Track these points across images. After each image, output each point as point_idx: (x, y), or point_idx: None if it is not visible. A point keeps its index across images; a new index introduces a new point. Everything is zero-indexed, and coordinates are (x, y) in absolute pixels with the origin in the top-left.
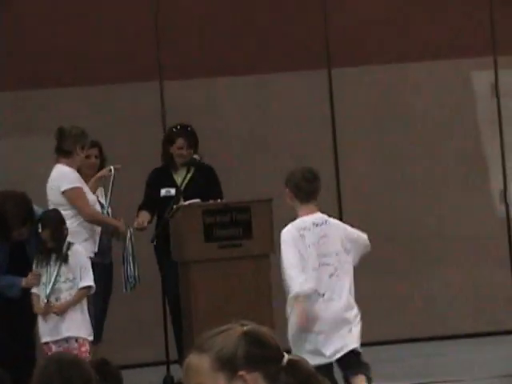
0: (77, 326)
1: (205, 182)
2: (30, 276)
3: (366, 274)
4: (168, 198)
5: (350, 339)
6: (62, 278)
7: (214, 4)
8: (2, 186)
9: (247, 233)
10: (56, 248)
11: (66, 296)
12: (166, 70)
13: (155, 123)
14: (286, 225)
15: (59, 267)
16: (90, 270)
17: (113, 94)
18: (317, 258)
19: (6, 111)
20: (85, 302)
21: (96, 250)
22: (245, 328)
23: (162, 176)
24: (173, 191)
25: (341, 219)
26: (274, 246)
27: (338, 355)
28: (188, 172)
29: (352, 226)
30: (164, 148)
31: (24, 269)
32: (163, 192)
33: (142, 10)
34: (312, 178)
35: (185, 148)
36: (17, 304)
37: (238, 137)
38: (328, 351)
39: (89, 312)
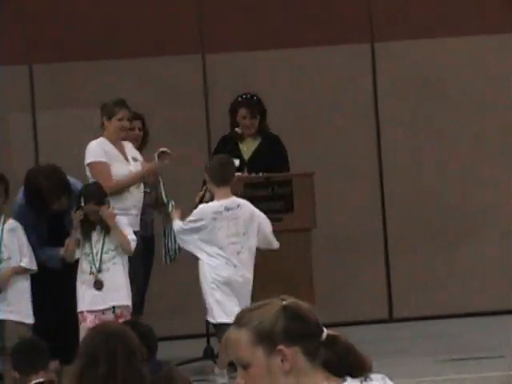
0: (115, 297)
1: (271, 152)
2: (67, 245)
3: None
4: None
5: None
6: (105, 249)
7: None
8: (42, 159)
9: (288, 207)
10: (100, 220)
11: (108, 266)
12: (208, 43)
13: (197, 96)
14: (325, 199)
15: (104, 238)
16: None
17: (155, 67)
18: (225, 238)
19: (49, 83)
20: (126, 273)
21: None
22: (284, 302)
23: (228, 146)
24: (237, 162)
25: (382, 192)
26: (315, 221)
27: None
28: (253, 142)
29: (393, 199)
30: (230, 116)
31: (62, 240)
32: None
33: None
34: (226, 163)
35: (248, 118)
36: (58, 274)
37: (279, 111)
38: None
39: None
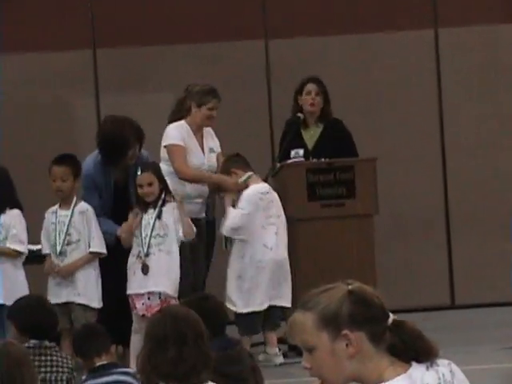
0: (162, 282)
1: (335, 138)
2: (123, 226)
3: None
4: (297, 158)
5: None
6: (154, 234)
7: None
8: None
9: (350, 192)
10: (154, 202)
11: (154, 251)
12: (271, 29)
13: (260, 81)
14: (388, 184)
15: (154, 223)
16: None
17: (219, 52)
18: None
19: (114, 68)
20: (176, 259)
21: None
22: (350, 287)
23: (291, 134)
24: (301, 152)
25: (445, 178)
26: (377, 206)
27: None
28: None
29: (456, 185)
30: (294, 101)
31: (126, 214)
32: (292, 153)
33: None
34: None
35: (313, 93)
36: (112, 251)
37: (342, 96)
38: None
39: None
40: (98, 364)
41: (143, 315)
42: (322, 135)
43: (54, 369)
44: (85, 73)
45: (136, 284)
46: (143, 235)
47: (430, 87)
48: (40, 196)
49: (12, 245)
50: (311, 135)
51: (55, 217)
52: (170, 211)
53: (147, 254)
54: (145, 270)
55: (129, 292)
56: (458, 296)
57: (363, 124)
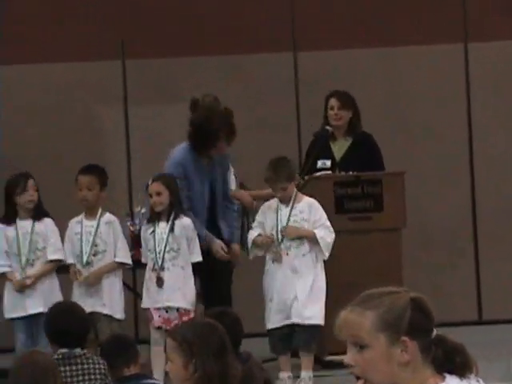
0: (176, 297)
1: (364, 152)
2: (220, 250)
3: None
4: (324, 170)
5: None
6: (167, 248)
7: None
8: (133, 152)
9: (378, 206)
10: (165, 215)
11: (169, 266)
12: (300, 41)
13: (288, 94)
14: (416, 198)
15: (167, 237)
16: (197, 243)
17: (247, 64)
18: None
19: (143, 79)
20: (190, 272)
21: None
22: (412, 295)
23: (319, 145)
24: (328, 163)
25: (473, 192)
26: (405, 220)
27: None
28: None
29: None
30: (324, 112)
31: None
32: (319, 164)
33: None
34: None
35: (336, 108)
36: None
37: (370, 110)
38: None
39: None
40: (126, 374)
41: (159, 327)
42: (350, 148)
43: (86, 377)
44: (113, 84)
45: (152, 298)
46: (157, 249)
47: (460, 101)
48: (66, 206)
49: (53, 255)
50: (339, 147)
51: (80, 227)
52: (183, 225)
53: (162, 268)
54: (159, 283)
55: (145, 306)
56: (486, 311)
57: (392, 137)
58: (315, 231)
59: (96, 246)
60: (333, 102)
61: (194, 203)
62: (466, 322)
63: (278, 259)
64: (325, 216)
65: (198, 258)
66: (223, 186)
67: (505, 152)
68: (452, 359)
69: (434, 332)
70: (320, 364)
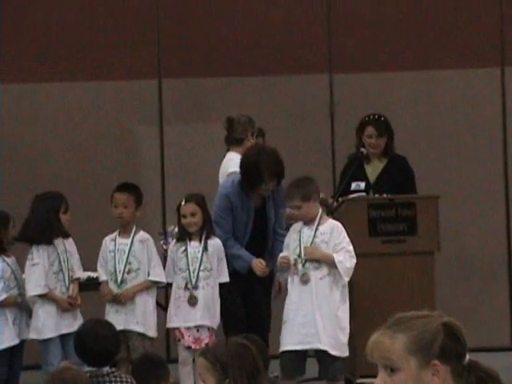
0: (210, 316)
1: (397, 174)
2: (259, 263)
3: None
4: (358, 191)
5: None
6: (202, 267)
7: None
8: (168, 171)
9: (412, 229)
10: (197, 234)
11: (203, 285)
12: (336, 63)
13: (323, 116)
14: (450, 222)
15: (202, 256)
16: (226, 264)
17: (282, 85)
18: None
19: (179, 98)
20: (218, 293)
21: None
22: (444, 319)
23: (354, 167)
24: (362, 185)
25: (508, 217)
26: (439, 244)
27: None
28: (379, 164)
29: None
30: (356, 136)
31: (261, 239)
32: (353, 186)
33: (315, 1)
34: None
35: (374, 137)
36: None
37: (405, 132)
38: None
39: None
40: None
41: (189, 347)
42: (384, 170)
43: None
44: (150, 102)
45: (182, 316)
46: (191, 268)
47: (496, 126)
48: (103, 225)
49: (80, 272)
50: (373, 169)
51: (114, 245)
52: (215, 245)
53: (195, 287)
54: (193, 301)
55: (174, 325)
56: None
57: (427, 161)
58: (334, 255)
59: (130, 264)
60: (370, 130)
61: (236, 234)
62: (499, 347)
63: (305, 280)
64: (347, 240)
65: (226, 278)
66: (275, 219)
67: None
68: None
69: (467, 357)
70: None
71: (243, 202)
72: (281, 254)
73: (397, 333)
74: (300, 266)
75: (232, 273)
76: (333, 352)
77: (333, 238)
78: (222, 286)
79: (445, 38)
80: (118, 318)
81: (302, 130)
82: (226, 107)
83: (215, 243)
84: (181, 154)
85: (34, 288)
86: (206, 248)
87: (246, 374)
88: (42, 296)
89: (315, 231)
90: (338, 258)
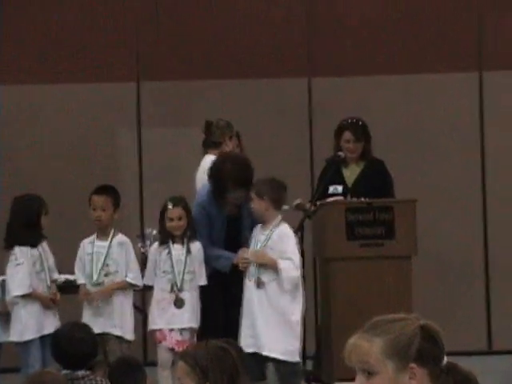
0: (194, 318)
1: (375, 178)
2: (240, 254)
3: None
4: (335, 195)
5: None
6: (187, 269)
7: (371, 3)
8: (146, 174)
9: (390, 233)
10: (180, 237)
11: (187, 287)
12: (315, 67)
13: (302, 119)
14: (427, 225)
15: (186, 258)
16: (204, 267)
17: (261, 89)
18: None
19: (157, 101)
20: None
21: None
22: (421, 322)
23: (331, 171)
24: (340, 189)
25: (485, 220)
26: (416, 248)
27: None
28: (357, 168)
29: (496, 228)
30: (335, 140)
31: (239, 246)
32: (331, 189)
33: (294, 4)
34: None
35: (351, 142)
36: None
37: (383, 136)
38: None
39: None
40: None
41: (172, 349)
42: (361, 174)
43: None
44: (128, 105)
45: (166, 319)
46: (176, 270)
47: (473, 130)
48: (80, 227)
49: (55, 274)
50: (351, 173)
51: (92, 247)
52: (197, 248)
53: (181, 290)
54: (179, 304)
55: (157, 327)
56: (496, 341)
57: (404, 164)
58: (279, 261)
59: (107, 266)
60: (347, 135)
61: (214, 241)
62: (475, 351)
63: (259, 283)
64: (294, 250)
65: (205, 281)
66: (251, 227)
67: None
68: None
69: (445, 360)
70: None
71: (218, 209)
72: (239, 254)
73: (374, 336)
74: (254, 268)
75: (212, 274)
76: (282, 357)
77: (280, 244)
78: (201, 289)
79: (423, 43)
80: (96, 322)
81: (280, 133)
82: (204, 110)
83: (197, 246)
84: (159, 157)
85: (17, 288)
86: (189, 251)
87: (227, 377)
88: (24, 296)
89: (269, 236)
90: (282, 264)
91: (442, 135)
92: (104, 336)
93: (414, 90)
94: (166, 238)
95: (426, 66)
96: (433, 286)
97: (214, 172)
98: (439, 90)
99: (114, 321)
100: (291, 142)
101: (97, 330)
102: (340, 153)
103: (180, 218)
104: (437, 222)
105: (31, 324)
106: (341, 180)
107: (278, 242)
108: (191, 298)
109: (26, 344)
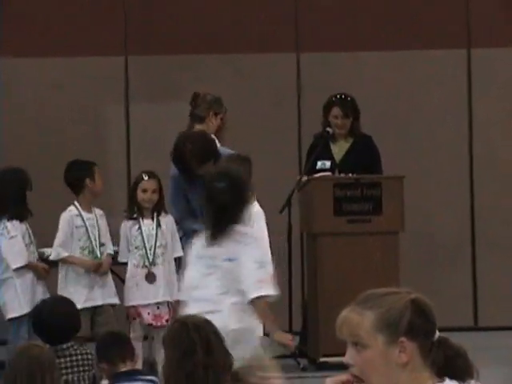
0: (171, 291)
1: (363, 153)
2: None
3: None
4: (323, 170)
5: None
6: (158, 243)
7: None
8: (134, 150)
9: (377, 209)
10: (151, 211)
11: (160, 261)
12: (303, 42)
13: (290, 94)
14: (415, 202)
15: (156, 232)
16: (178, 239)
17: (249, 64)
18: None
19: (145, 75)
20: (174, 268)
21: None
22: (412, 296)
23: (319, 146)
24: (328, 164)
25: (472, 197)
26: (403, 224)
27: None
28: (345, 144)
29: (484, 205)
30: (323, 115)
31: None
32: (319, 164)
33: None
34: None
35: (340, 118)
36: None
37: (372, 112)
38: None
39: None
40: (122, 370)
41: (150, 324)
42: (350, 149)
43: (76, 369)
44: (115, 79)
45: (140, 294)
46: (147, 245)
47: (462, 107)
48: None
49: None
50: (339, 149)
51: (82, 220)
52: (167, 222)
53: (154, 264)
54: (151, 278)
55: (132, 303)
56: (481, 317)
57: (393, 141)
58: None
59: (100, 237)
60: (336, 111)
61: (195, 214)
62: (461, 327)
63: None
64: (263, 233)
65: (180, 253)
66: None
67: (506, 159)
68: (453, 363)
69: (437, 334)
70: (314, 365)
71: (191, 183)
72: None
73: (365, 310)
74: None
75: None
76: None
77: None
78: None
79: (412, 20)
80: (94, 294)
81: (268, 108)
82: (192, 85)
83: (167, 219)
84: (147, 131)
85: (17, 260)
86: (159, 224)
87: (179, 353)
88: (17, 270)
89: None
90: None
91: (430, 112)
92: (98, 308)
93: (403, 66)
94: (133, 212)
95: (415, 42)
96: (420, 263)
97: (177, 155)
98: (428, 66)
99: (113, 290)
100: (279, 116)
101: (98, 301)
102: (328, 129)
103: (154, 191)
104: (424, 199)
105: (27, 297)
106: (329, 155)
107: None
108: (164, 271)
109: (20, 317)
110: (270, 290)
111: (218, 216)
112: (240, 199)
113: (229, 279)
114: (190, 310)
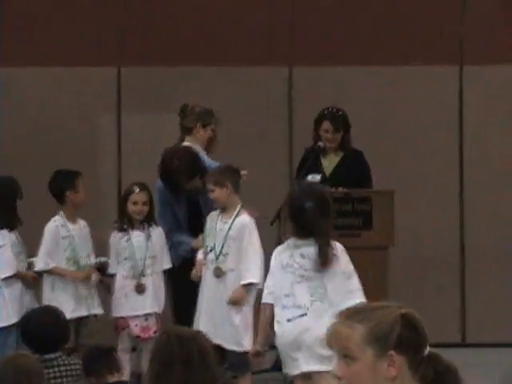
0: (159, 303)
1: (353, 168)
2: (200, 237)
3: None
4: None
5: None
6: (148, 254)
7: None
8: (125, 160)
9: (367, 223)
10: (142, 221)
11: (149, 272)
12: (296, 56)
13: (282, 108)
14: (405, 217)
15: (147, 243)
16: (168, 251)
17: (242, 76)
18: None
19: (138, 86)
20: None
21: None
22: (403, 310)
23: (309, 159)
24: (318, 177)
25: (462, 213)
26: (393, 239)
27: None
28: (335, 157)
29: (473, 220)
30: (314, 129)
31: (201, 227)
32: (309, 178)
33: None
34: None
35: (330, 132)
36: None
37: (363, 126)
38: None
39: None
40: (110, 381)
41: (138, 336)
42: (340, 163)
43: (64, 379)
44: (108, 90)
45: (129, 305)
46: (137, 256)
47: (452, 123)
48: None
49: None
50: (330, 162)
51: (67, 231)
52: (157, 233)
53: (143, 275)
54: (140, 289)
55: (120, 314)
56: (469, 334)
57: (383, 155)
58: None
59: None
60: (326, 125)
61: (181, 226)
62: (449, 343)
63: (218, 274)
64: (257, 247)
65: (169, 264)
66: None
67: (495, 176)
68: (443, 378)
69: (427, 349)
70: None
71: (173, 202)
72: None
73: (355, 323)
74: (213, 256)
75: (183, 262)
76: (227, 346)
77: (242, 235)
78: (170, 274)
79: (406, 35)
80: (80, 305)
81: (259, 121)
82: (185, 97)
83: (157, 231)
84: (138, 143)
85: (5, 270)
86: (149, 236)
87: (159, 364)
88: (6, 279)
89: (230, 225)
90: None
91: (421, 127)
92: (84, 319)
93: (395, 81)
94: (124, 223)
95: (408, 58)
96: (409, 277)
97: (164, 171)
98: (420, 82)
99: (98, 300)
100: (271, 129)
101: (83, 312)
102: (320, 143)
103: (144, 203)
104: (414, 214)
105: (16, 306)
106: (319, 169)
107: (240, 232)
108: (153, 283)
109: (8, 327)
110: (362, 298)
111: (306, 231)
112: (326, 215)
113: (318, 288)
114: (282, 316)
